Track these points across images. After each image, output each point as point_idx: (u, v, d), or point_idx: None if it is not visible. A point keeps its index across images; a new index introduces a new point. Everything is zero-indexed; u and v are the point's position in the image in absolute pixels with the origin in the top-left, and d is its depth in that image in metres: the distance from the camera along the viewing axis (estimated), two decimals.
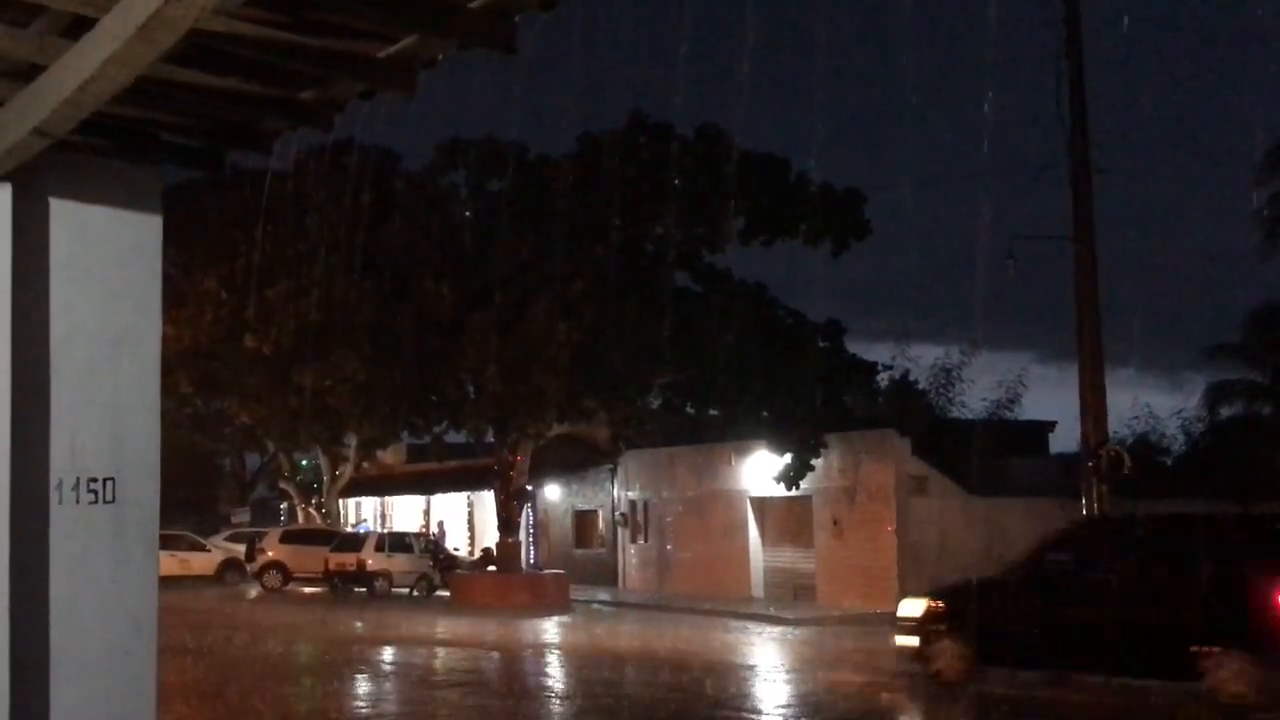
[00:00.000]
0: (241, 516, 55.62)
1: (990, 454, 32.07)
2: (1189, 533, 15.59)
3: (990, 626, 15.65)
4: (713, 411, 32.88)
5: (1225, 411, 35.76)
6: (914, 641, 16.66)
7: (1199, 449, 34.90)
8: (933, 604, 16.96)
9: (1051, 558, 16.09)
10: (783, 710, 14.89)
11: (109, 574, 5.61)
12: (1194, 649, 13.91)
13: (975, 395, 36.56)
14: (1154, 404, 66.71)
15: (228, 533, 46.27)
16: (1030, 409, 37.54)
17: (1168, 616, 14.43)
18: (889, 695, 16.28)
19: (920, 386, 36.71)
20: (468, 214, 30.54)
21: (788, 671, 18.97)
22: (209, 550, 41.54)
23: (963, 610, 16.06)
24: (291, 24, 4.39)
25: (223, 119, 5.50)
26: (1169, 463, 36.04)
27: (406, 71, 4.67)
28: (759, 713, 14.77)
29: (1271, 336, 34.15)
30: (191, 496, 50.98)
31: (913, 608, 17.38)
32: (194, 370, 33.61)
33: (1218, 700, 13.72)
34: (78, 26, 4.35)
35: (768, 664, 20.08)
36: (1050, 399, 49.67)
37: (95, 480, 5.60)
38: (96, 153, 5.52)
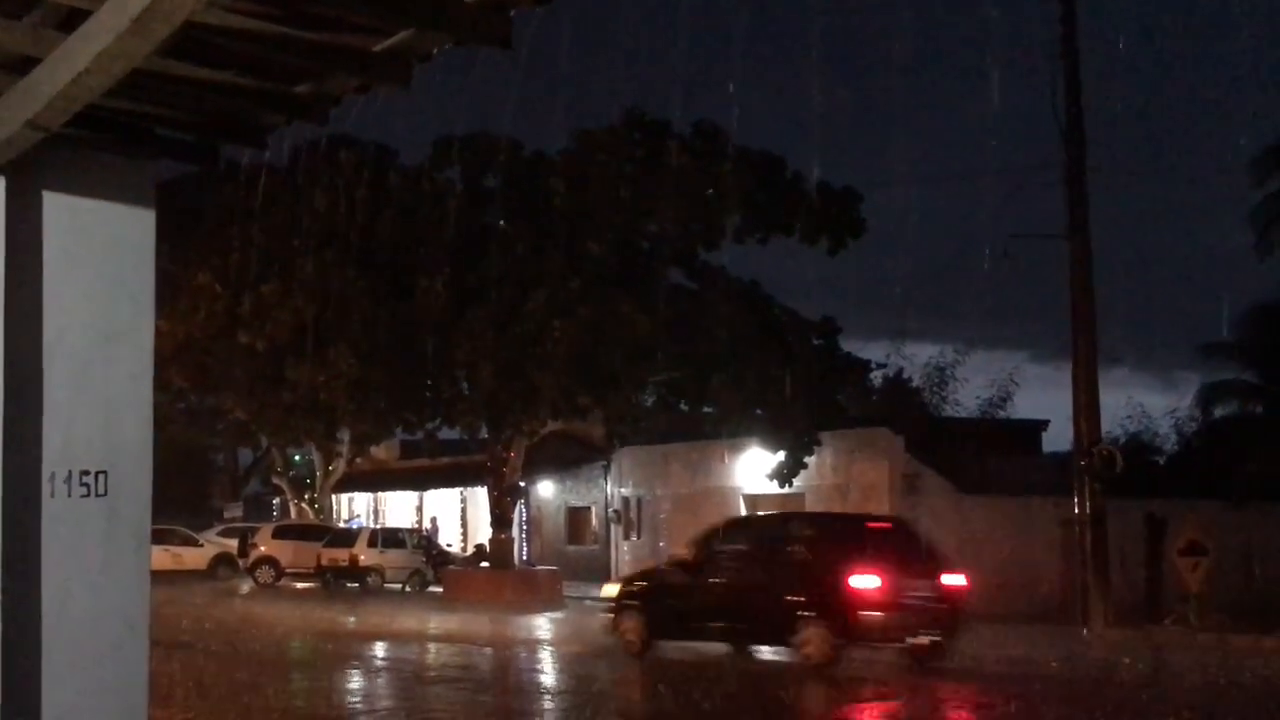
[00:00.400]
0: (234, 512, 55.58)
1: (983, 453, 32.12)
2: (793, 528, 19.64)
3: (657, 606, 18.96)
4: (707, 409, 32.89)
5: (1219, 411, 35.84)
6: (610, 618, 20.07)
7: (1192, 448, 34.97)
8: (623, 587, 20.85)
9: (704, 550, 19.23)
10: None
11: (101, 568, 5.59)
12: (791, 621, 17.09)
13: (969, 394, 36.60)
14: (1147, 403, 66.72)
15: (220, 528, 46.28)
16: (1023, 408, 37.67)
17: (774, 596, 17.48)
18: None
19: (914, 385, 36.77)
20: (462, 210, 30.48)
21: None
22: (201, 545, 41.51)
23: (639, 592, 19.77)
24: (286, 17, 4.38)
25: (217, 113, 5.48)
26: (1161, 462, 36.11)
27: (402, 66, 4.66)
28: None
29: (1265, 336, 34.20)
30: (184, 491, 50.95)
31: (610, 590, 21.96)
32: (188, 365, 33.58)
33: (808, 661, 16.94)
34: (72, 19, 4.34)
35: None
36: (1043, 398, 49.72)
37: (88, 474, 5.58)
38: (90, 146, 5.50)
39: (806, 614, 17.03)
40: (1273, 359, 34.62)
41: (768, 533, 20.06)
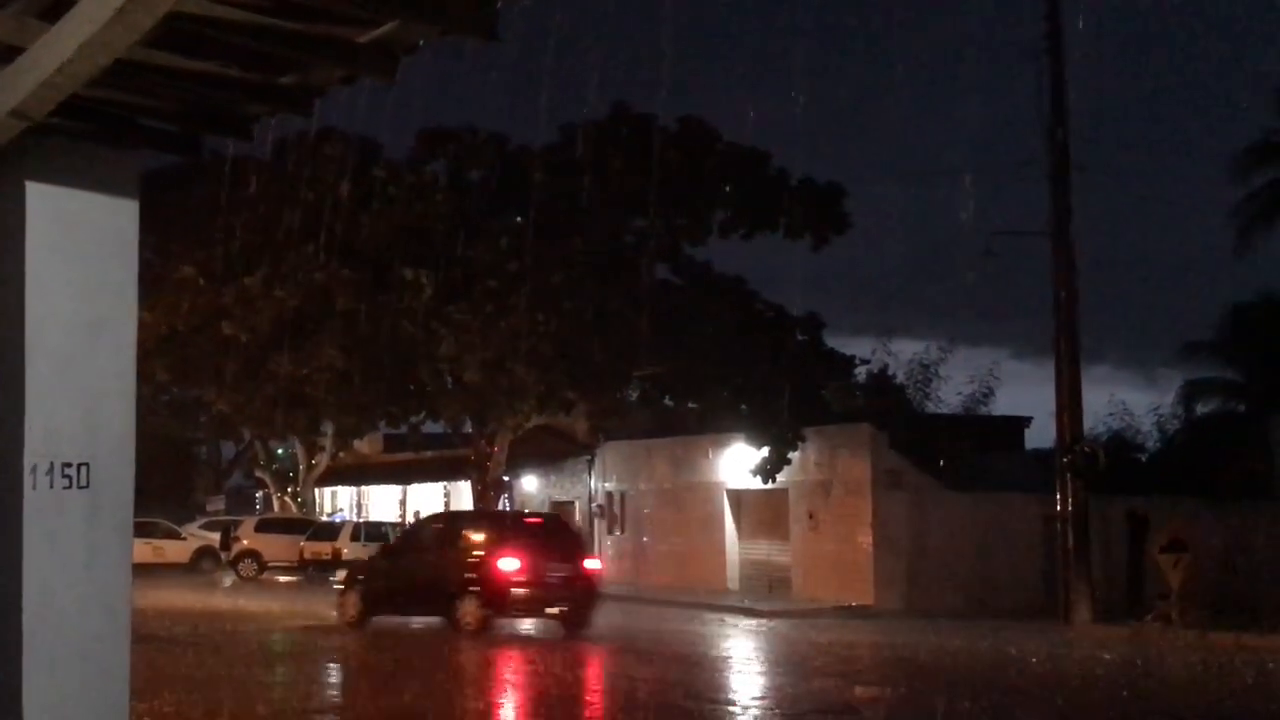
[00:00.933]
0: (217, 505, 55.42)
1: (966, 449, 32.18)
2: (463, 522, 24.94)
3: (368, 587, 22.49)
4: (691, 404, 32.90)
5: (1201, 409, 35.97)
6: (338, 598, 23.62)
7: (1174, 446, 35.08)
8: (348, 572, 24.79)
9: (403, 540, 24.37)
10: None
11: (82, 559, 5.58)
12: (454, 597, 21.13)
13: (952, 390, 36.68)
14: (1129, 400, 66.87)
15: (203, 521, 46.09)
16: (1006, 404, 37.81)
17: (443, 577, 21.42)
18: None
19: (898, 381, 36.82)
20: (447, 203, 30.44)
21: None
22: (184, 538, 41.38)
23: (356, 576, 23.44)
24: (270, 7, 4.36)
25: (201, 103, 5.46)
26: (1144, 459, 36.21)
27: (387, 57, 4.65)
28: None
29: (1247, 334, 34.34)
30: (166, 484, 50.78)
31: (341, 571, 27.25)
32: (171, 357, 33.45)
33: (467, 628, 20.87)
34: (56, 8, 4.32)
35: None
36: (1026, 395, 49.91)
37: (70, 465, 5.57)
38: (75, 137, 5.48)
39: (464, 590, 21.05)
40: (1254, 357, 34.76)
41: (446, 526, 24.72)
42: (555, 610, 21.44)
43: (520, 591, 20.95)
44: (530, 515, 27.44)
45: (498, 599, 20.92)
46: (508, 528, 23.43)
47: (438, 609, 21.77)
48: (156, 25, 3.90)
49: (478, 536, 22.25)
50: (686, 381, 30.88)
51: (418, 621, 22.66)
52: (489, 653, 18.87)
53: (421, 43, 4.59)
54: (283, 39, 4.57)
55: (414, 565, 22.26)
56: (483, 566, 21.04)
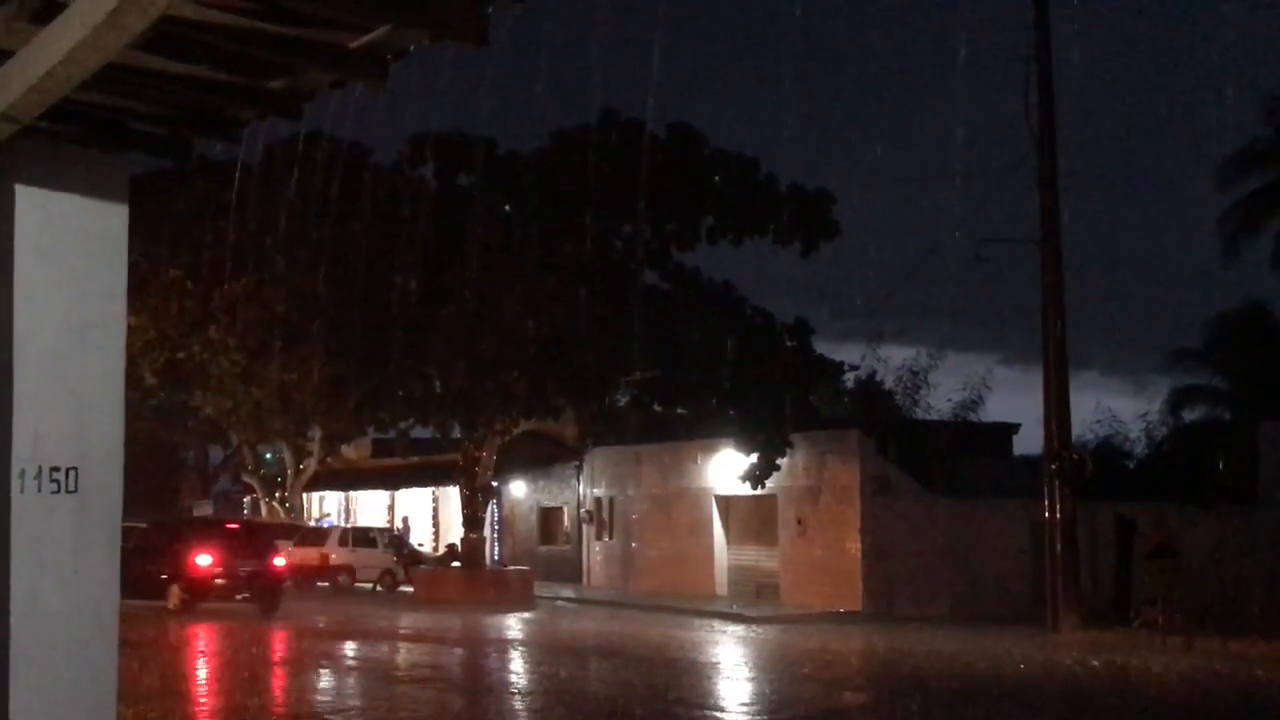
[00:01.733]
0: (204, 509, 55.27)
1: (954, 455, 32.25)
2: (179, 526, 32.27)
3: (135, 575, 24.89)
4: (680, 410, 32.87)
5: (1188, 416, 36.10)
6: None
7: (1161, 452, 35.19)
8: None
9: (144, 538, 27.46)
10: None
11: (70, 564, 5.56)
12: (164, 584, 26.56)
13: (941, 396, 36.71)
14: (1116, 407, 67.11)
15: None
16: (994, 411, 37.76)
17: (159, 569, 26.54)
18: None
19: (886, 387, 36.88)
20: (437, 208, 30.38)
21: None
22: None
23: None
24: (262, 12, 4.36)
25: (190, 107, 5.45)
26: (1131, 466, 36.31)
27: (378, 62, 4.65)
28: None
29: (1234, 342, 34.46)
30: (153, 488, 50.62)
31: None
32: (158, 361, 33.37)
33: (173, 609, 26.11)
34: (47, 11, 4.31)
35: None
36: (1014, 401, 49.95)
37: (58, 470, 5.55)
38: (64, 140, 5.47)
39: (170, 579, 26.64)
40: (1241, 365, 34.89)
41: (169, 528, 30.41)
42: (243, 597, 27.12)
43: (212, 582, 26.90)
44: (230, 522, 33.60)
45: (195, 586, 26.76)
46: (208, 531, 29.90)
47: (154, 594, 26.37)
48: (148, 28, 3.89)
49: (185, 537, 28.13)
50: (675, 387, 30.88)
51: (145, 604, 25.74)
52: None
53: (412, 48, 4.59)
54: (273, 43, 4.57)
55: (146, 558, 26.15)
56: (183, 560, 26.79)
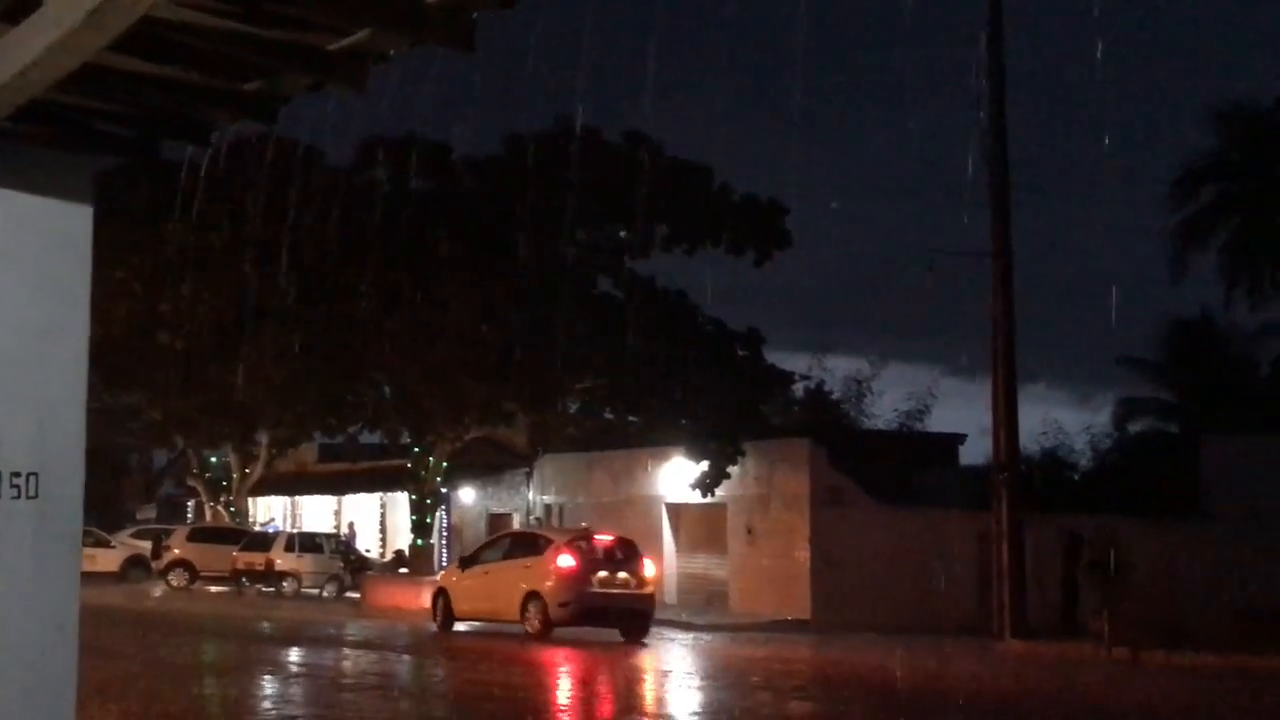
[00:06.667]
0: (147, 513, 54.66)
1: (901, 465, 32.43)
2: None
3: None
4: (632, 418, 32.88)
5: (1133, 428, 36.46)
6: None
7: (1107, 465, 35.51)
8: None
9: None
10: None
11: (30, 571, 5.46)
12: None
13: (887, 407, 36.90)
14: (1062, 419, 67.46)
15: (133, 529, 45.44)
16: (940, 421, 37.97)
17: None
18: None
19: (834, 397, 37.05)
20: (390, 213, 30.23)
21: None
22: (114, 547, 40.76)
23: None
24: (240, 13, 4.29)
25: (160, 108, 5.36)
26: (1077, 478, 36.60)
27: (357, 66, 4.59)
28: None
29: (1181, 356, 34.87)
30: (96, 492, 49.83)
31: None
32: (103, 363, 32.97)
33: None
34: (21, 9, 4.22)
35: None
36: (957, 412, 50.33)
37: (18, 475, 5.45)
38: (28, 140, 5.37)
39: None
40: (1187, 378, 35.30)
41: None
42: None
43: None
44: None
45: None
46: None
47: None
48: (129, 28, 3.82)
49: None
50: (627, 395, 30.89)
51: None
52: None
53: (392, 52, 4.54)
54: (252, 45, 4.50)
55: None
56: None
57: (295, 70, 4.69)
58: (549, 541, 24.80)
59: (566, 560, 23.44)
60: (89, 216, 5.66)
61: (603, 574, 23.37)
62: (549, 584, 23.34)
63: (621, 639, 23.39)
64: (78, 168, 5.60)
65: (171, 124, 5.51)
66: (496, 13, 4.26)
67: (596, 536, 25.18)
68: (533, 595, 23.53)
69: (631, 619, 23.41)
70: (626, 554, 24.26)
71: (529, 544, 25.24)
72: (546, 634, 23.27)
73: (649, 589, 24.01)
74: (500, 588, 24.31)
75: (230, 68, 4.77)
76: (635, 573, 23.72)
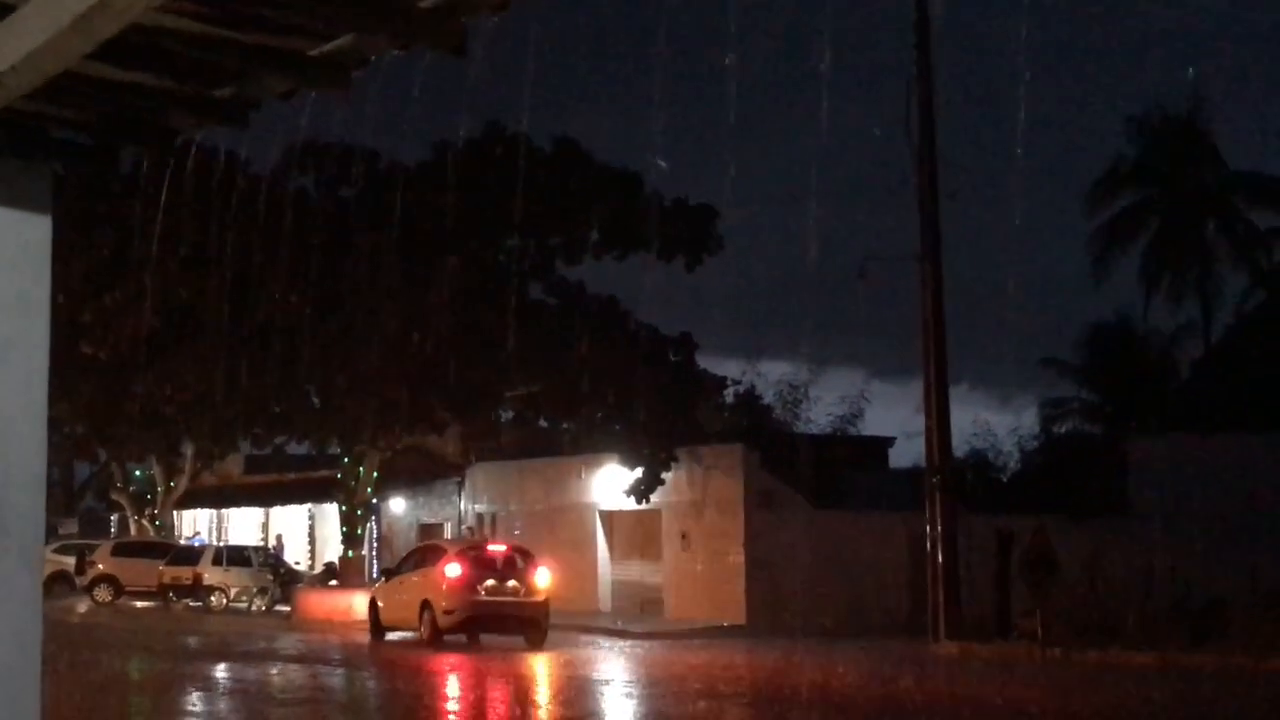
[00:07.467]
0: (69, 528, 53.57)
1: (833, 468, 32.60)
2: None
3: None
4: (565, 425, 32.76)
5: (1058, 429, 36.95)
6: None
7: (1034, 465, 35.94)
8: None
9: None
10: None
11: None
12: None
13: (820, 411, 37.01)
14: (985, 421, 68.20)
15: (55, 545, 44.51)
16: (869, 424, 38.17)
17: None
18: None
19: (766, 402, 37.12)
20: (317, 220, 29.86)
21: None
22: None
23: None
24: (220, 18, 4.17)
25: (121, 114, 5.21)
26: (1004, 479, 37.02)
27: (339, 71, 4.48)
28: None
29: (1104, 357, 35.40)
30: None
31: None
32: None
33: None
34: None
35: None
36: (887, 414, 50.61)
37: None
38: None
39: None
40: (1109, 378, 35.85)
41: None
42: None
43: None
44: None
45: None
46: None
47: None
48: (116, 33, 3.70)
49: None
50: (560, 402, 30.77)
51: None
52: None
53: (373, 57, 4.44)
54: (229, 50, 4.39)
55: None
56: None
57: (273, 76, 4.58)
58: (443, 552, 25.54)
59: (454, 569, 24.11)
60: (48, 226, 5.50)
61: (490, 582, 23.92)
62: (437, 593, 24.03)
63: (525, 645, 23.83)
64: (36, 176, 5.43)
65: (133, 130, 5.35)
66: (489, 18, 4.18)
67: (490, 546, 26.18)
68: (426, 604, 24.24)
69: (521, 626, 23.88)
70: (519, 563, 24.87)
71: (434, 555, 25.99)
72: (438, 641, 23.87)
73: (540, 596, 24.47)
74: (407, 597, 25.24)
75: (203, 73, 4.64)
76: (525, 581, 24.24)
